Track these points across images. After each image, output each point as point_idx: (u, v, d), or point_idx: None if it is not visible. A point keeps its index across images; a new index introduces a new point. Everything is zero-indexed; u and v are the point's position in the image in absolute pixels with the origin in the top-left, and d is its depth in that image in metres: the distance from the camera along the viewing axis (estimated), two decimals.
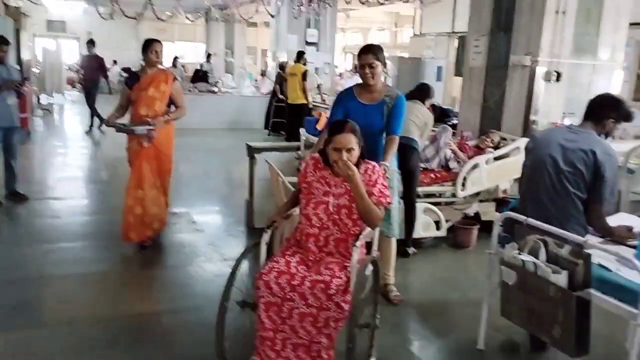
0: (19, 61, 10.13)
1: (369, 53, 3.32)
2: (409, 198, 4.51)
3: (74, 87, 17.63)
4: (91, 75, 10.75)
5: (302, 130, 6.11)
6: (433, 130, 4.95)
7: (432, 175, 4.87)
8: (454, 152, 5.05)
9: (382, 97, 3.38)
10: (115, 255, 4.40)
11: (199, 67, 15.62)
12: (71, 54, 19.40)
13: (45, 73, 13.44)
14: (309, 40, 12.87)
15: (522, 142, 4.68)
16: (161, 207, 4.53)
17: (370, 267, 2.62)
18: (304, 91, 9.83)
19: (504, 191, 5.08)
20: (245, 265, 2.56)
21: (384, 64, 3.37)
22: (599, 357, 2.69)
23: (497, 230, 3.01)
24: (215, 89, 12.73)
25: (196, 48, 23.08)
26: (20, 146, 5.96)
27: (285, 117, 10.40)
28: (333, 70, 14.16)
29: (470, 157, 5.00)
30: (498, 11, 6.05)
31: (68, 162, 8.23)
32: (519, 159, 3.94)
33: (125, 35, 20.28)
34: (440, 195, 5.00)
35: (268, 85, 12.58)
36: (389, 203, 2.75)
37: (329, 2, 12.15)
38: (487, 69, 6.22)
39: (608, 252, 2.51)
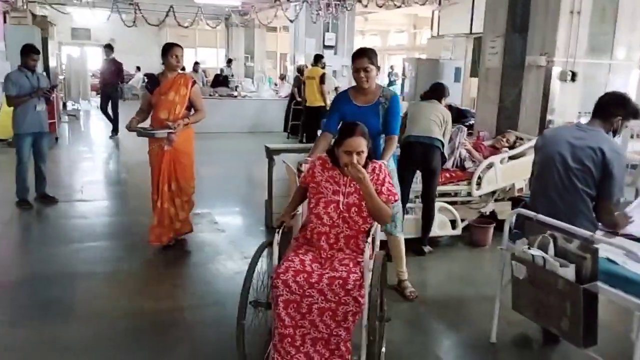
0: (47, 69, 10.40)
1: (364, 57, 3.32)
2: (428, 197, 4.58)
3: (98, 93, 17.98)
4: (110, 80, 10.81)
5: (319, 132, 6.19)
6: None
7: (448, 175, 4.93)
8: (469, 151, 5.11)
9: (377, 98, 3.43)
10: (140, 254, 4.55)
11: (219, 72, 15.88)
12: (95, 61, 19.82)
13: (70, 80, 13.77)
14: (327, 44, 13.00)
15: None
16: (184, 209, 4.64)
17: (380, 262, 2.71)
18: (322, 94, 9.95)
19: (520, 190, 5.11)
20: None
21: (378, 68, 3.38)
22: (606, 348, 2.74)
23: (508, 226, 3.08)
24: (236, 93, 12.89)
25: (217, 53, 23.37)
26: (48, 151, 6.18)
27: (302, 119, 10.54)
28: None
29: (485, 157, 5.06)
30: (513, 12, 6.09)
31: (94, 166, 8.48)
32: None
33: (148, 42, 20.60)
34: (456, 195, 5.06)
35: (287, 89, 12.69)
36: (397, 200, 2.83)
37: (347, 6, 12.26)
38: (503, 70, 6.26)
39: (614, 246, 2.57)
